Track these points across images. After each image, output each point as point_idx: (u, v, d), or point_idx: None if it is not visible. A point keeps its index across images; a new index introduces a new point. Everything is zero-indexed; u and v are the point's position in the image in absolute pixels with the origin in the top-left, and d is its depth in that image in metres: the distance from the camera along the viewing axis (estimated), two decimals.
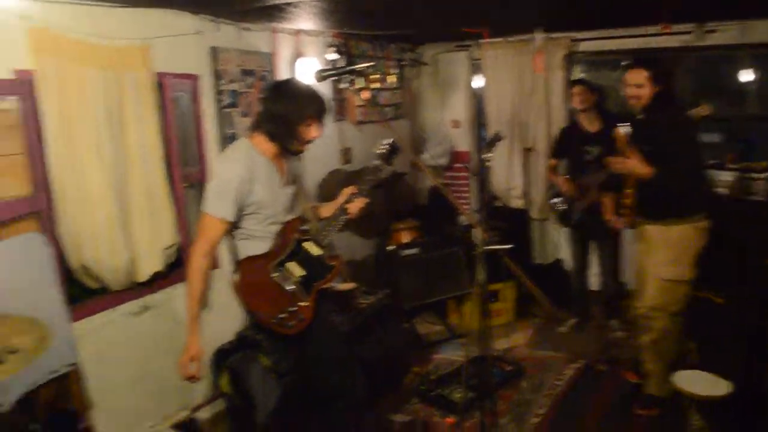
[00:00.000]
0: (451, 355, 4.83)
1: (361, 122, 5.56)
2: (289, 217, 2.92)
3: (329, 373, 2.98)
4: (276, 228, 2.86)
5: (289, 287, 2.80)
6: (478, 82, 6.24)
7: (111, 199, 3.20)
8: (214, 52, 4.01)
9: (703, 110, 3.66)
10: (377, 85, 5.71)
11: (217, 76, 4.04)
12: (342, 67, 4.37)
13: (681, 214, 3.53)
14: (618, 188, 3.85)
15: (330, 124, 5.01)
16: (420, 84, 6.52)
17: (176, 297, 3.66)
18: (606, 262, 5.05)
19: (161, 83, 3.61)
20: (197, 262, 2.74)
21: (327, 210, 3.14)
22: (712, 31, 4.95)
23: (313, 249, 2.92)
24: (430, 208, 6.32)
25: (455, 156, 6.47)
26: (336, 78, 4.59)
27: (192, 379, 2.75)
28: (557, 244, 5.97)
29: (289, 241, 2.88)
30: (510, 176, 5.93)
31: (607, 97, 4.90)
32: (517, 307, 5.45)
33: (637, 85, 3.53)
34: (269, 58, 4.50)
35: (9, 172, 2.91)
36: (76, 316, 3.13)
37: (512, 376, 4.36)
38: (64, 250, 3.07)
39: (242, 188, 2.73)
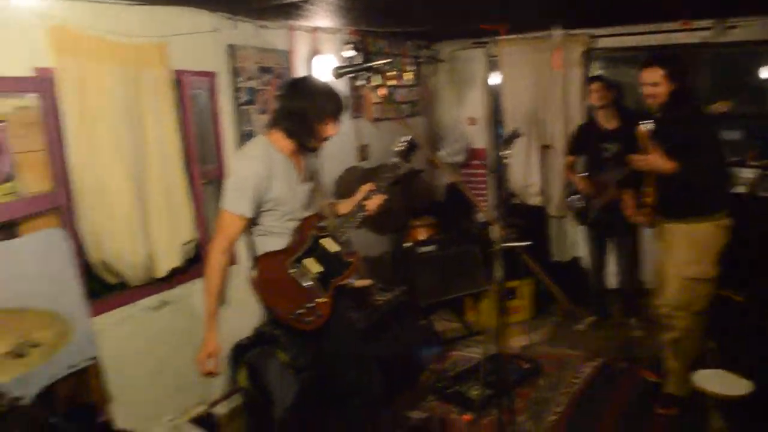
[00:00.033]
0: (468, 352, 4.82)
1: (377, 119, 5.56)
2: (307, 214, 2.92)
3: (346, 369, 2.98)
4: (294, 224, 2.87)
5: (307, 283, 2.81)
6: (494, 79, 6.22)
7: (130, 196, 3.23)
8: (232, 50, 4.02)
9: (721, 107, 3.62)
10: (394, 82, 5.71)
11: (235, 73, 4.06)
12: (359, 65, 4.39)
13: (703, 212, 3.49)
14: (637, 186, 3.82)
15: (347, 121, 5.01)
16: (436, 81, 6.51)
17: (194, 292, 3.69)
18: (624, 260, 5.01)
19: (179, 81, 3.64)
20: (215, 258, 2.75)
21: (344, 207, 3.15)
22: (733, 27, 4.89)
23: (330, 245, 2.92)
24: (446, 205, 6.31)
25: (472, 153, 6.46)
26: (353, 75, 4.61)
27: (210, 374, 2.77)
28: (575, 241, 5.94)
29: (307, 238, 2.89)
30: (527, 173, 5.91)
31: (625, 94, 4.86)
32: (535, 304, 5.42)
33: (653, 84, 3.49)
34: (286, 55, 4.51)
35: (30, 169, 2.94)
36: (96, 310, 3.16)
37: (530, 374, 4.34)
38: (84, 245, 3.11)
39: (260, 185, 2.73)
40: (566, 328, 5.21)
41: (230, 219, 2.75)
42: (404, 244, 5.25)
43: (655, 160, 3.45)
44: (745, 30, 4.85)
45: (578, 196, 4.99)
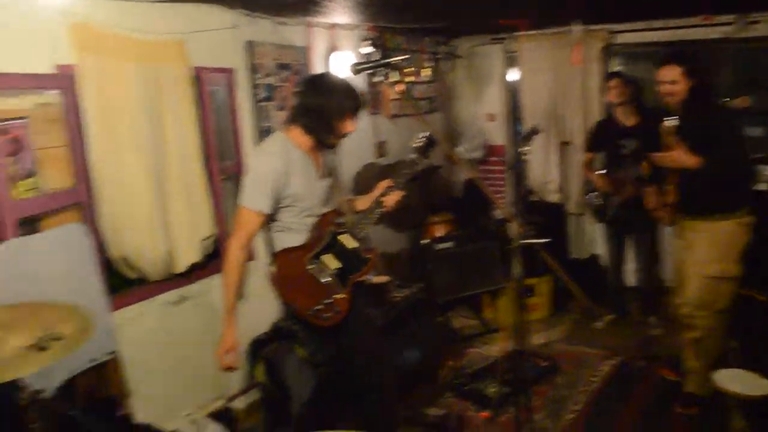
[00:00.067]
0: (485, 349, 4.80)
1: (395, 116, 5.55)
2: (325, 210, 2.93)
3: (364, 365, 2.99)
4: (312, 220, 2.87)
5: (325, 279, 2.82)
6: (513, 75, 6.19)
7: (150, 192, 3.25)
8: (250, 46, 4.03)
9: (742, 102, 3.57)
10: (412, 78, 5.70)
11: (253, 69, 4.07)
12: (377, 61, 4.37)
13: (726, 209, 3.45)
14: (657, 182, 3.78)
15: (365, 117, 5.01)
16: (455, 77, 6.49)
17: (213, 288, 3.71)
18: (643, 257, 4.97)
19: (198, 77, 3.65)
20: (234, 254, 2.77)
21: (362, 203, 3.15)
22: (755, 22, 4.82)
23: (348, 242, 2.93)
24: (464, 201, 6.29)
25: (490, 150, 6.43)
26: (371, 71, 4.60)
27: (229, 369, 2.79)
28: (594, 239, 5.90)
29: (325, 234, 2.89)
30: (546, 170, 5.88)
31: (644, 90, 4.81)
32: (553, 302, 5.40)
33: (672, 82, 3.45)
34: (304, 51, 4.51)
35: (52, 165, 2.97)
36: (116, 305, 3.20)
37: (547, 372, 4.32)
38: (105, 241, 3.13)
39: (278, 181, 2.74)
40: (584, 326, 5.18)
41: (248, 215, 2.76)
42: (422, 241, 5.24)
43: (679, 157, 3.41)
44: (767, 25, 4.78)
45: (596, 193, 4.95)
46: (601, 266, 5.58)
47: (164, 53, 3.35)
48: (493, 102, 6.39)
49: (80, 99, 2.97)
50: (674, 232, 3.83)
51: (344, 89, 2.83)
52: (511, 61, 6.16)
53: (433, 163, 5.80)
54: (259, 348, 3.50)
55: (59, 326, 1.83)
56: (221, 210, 3.84)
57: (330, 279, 2.82)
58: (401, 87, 5.13)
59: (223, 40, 3.82)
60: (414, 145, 3.04)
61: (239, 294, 2.85)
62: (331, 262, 2.85)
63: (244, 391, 3.87)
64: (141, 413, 3.27)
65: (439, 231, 5.44)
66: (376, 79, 5.10)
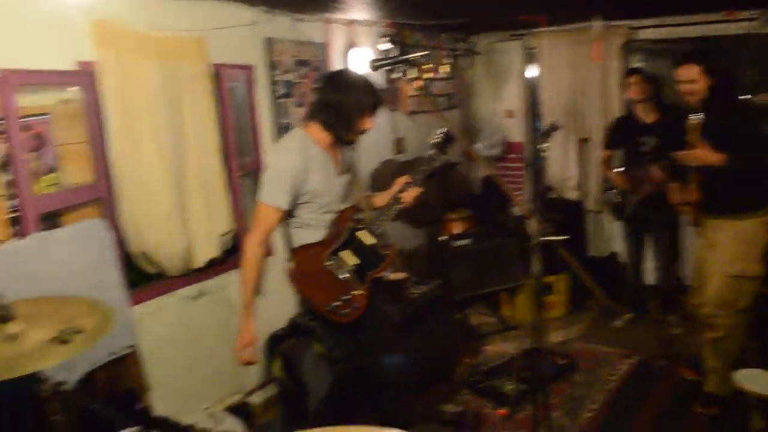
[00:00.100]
0: (503, 347, 4.79)
1: (413, 112, 5.55)
2: (344, 206, 2.93)
3: (381, 361, 2.99)
4: (330, 217, 2.88)
5: (343, 276, 2.82)
6: (532, 71, 6.15)
7: (169, 188, 3.27)
8: (269, 43, 4.05)
9: (765, 98, 3.52)
10: (430, 74, 5.69)
11: (272, 66, 4.08)
12: (395, 57, 4.37)
13: (749, 208, 3.41)
14: (680, 178, 3.74)
15: (383, 114, 5.01)
16: (473, 74, 6.46)
17: (231, 283, 3.73)
18: (661, 255, 4.93)
19: (217, 74, 3.67)
20: (252, 250, 2.78)
21: (381, 199, 3.15)
22: None
23: (366, 238, 2.93)
24: (482, 198, 6.27)
25: (508, 146, 6.40)
26: (389, 68, 4.60)
27: (248, 363, 2.81)
28: (612, 236, 5.86)
29: (343, 230, 2.89)
30: (565, 167, 5.85)
31: (664, 87, 4.76)
32: (571, 300, 5.37)
33: (691, 81, 3.41)
34: (323, 48, 4.52)
35: (73, 161, 3.00)
36: (135, 299, 3.22)
37: (565, 370, 4.30)
38: (124, 236, 3.16)
39: (297, 177, 2.75)
40: (603, 324, 5.15)
41: (267, 211, 2.77)
42: (439, 238, 5.23)
43: (703, 154, 3.37)
44: None
45: (614, 191, 4.92)
46: (620, 264, 5.54)
47: (184, 50, 3.37)
48: (512, 99, 6.37)
49: (101, 95, 3.00)
50: (696, 230, 3.78)
51: (363, 86, 2.83)
52: (530, 58, 6.12)
53: (451, 160, 5.79)
54: (276, 343, 3.51)
55: (80, 320, 1.85)
56: (239, 206, 3.86)
57: (348, 275, 2.83)
58: (419, 83, 5.17)
59: (243, 36, 3.84)
60: (432, 141, 3.03)
61: (257, 289, 2.86)
62: (350, 259, 2.86)
63: (261, 386, 3.88)
64: (159, 406, 3.30)
65: (457, 228, 5.43)
66: (394, 75, 5.13)
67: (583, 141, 5.76)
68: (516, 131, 6.39)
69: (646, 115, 4.67)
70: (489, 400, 3.97)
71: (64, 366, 2.22)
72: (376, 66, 3.55)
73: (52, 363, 1.74)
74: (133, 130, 3.10)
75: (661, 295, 5.02)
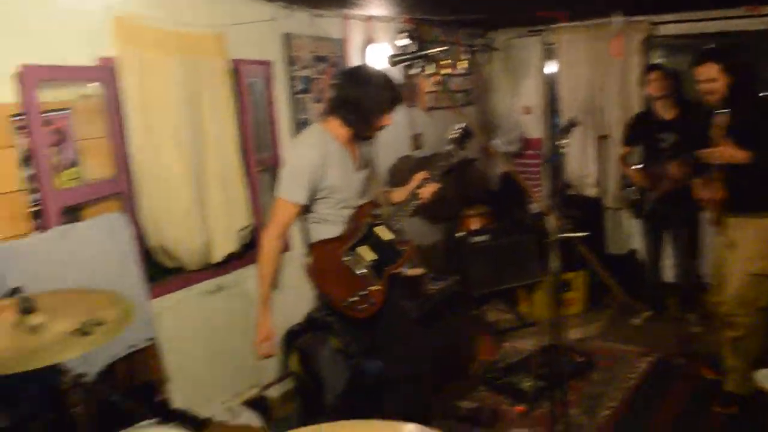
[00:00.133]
0: (520, 343, 4.77)
1: (431, 108, 5.53)
2: (361, 202, 2.93)
3: (398, 357, 2.99)
4: (348, 212, 2.88)
5: (360, 271, 2.82)
6: (550, 67, 6.12)
7: (188, 183, 3.29)
8: (287, 39, 4.05)
9: None
10: (448, 71, 5.67)
11: (290, 62, 4.09)
12: (414, 52, 4.35)
13: None
14: (698, 176, 3.70)
15: (401, 110, 5.00)
16: (491, 70, 6.44)
17: (249, 278, 3.74)
18: (681, 253, 4.88)
19: (236, 69, 3.69)
20: (269, 244, 2.79)
21: (398, 195, 3.15)
22: None
23: (384, 233, 2.93)
24: (500, 194, 6.24)
25: (526, 143, 6.37)
26: (407, 63, 4.59)
27: (268, 356, 2.83)
28: (631, 234, 5.81)
29: (361, 226, 2.90)
30: (583, 164, 5.82)
31: (684, 83, 4.71)
32: (589, 297, 5.34)
33: (711, 80, 3.37)
34: (341, 44, 4.52)
35: (93, 155, 3.02)
36: (154, 293, 3.24)
37: (583, 368, 4.27)
38: (144, 230, 3.18)
39: (315, 173, 2.75)
40: (621, 322, 5.11)
41: (285, 206, 2.78)
42: (457, 234, 5.22)
43: (728, 152, 3.33)
44: None
45: (633, 188, 4.87)
46: (639, 262, 5.49)
47: (204, 46, 3.39)
48: (530, 95, 6.33)
49: (121, 91, 3.02)
50: (715, 228, 3.74)
51: (382, 82, 2.83)
52: (548, 54, 6.09)
53: (469, 156, 5.77)
54: (293, 338, 3.54)
55: (102, 312, 1.87)
56: (258, 201, 3.87)
57: (365, 271, 2.83)
58: (437, 79, 5.15)
59: (261, 32, 3.85)
60: (450, 137, 3.03)
61: (274, 284, 2.88)
62: (367, 254, 2.86)
63: (278, 380, 3.91)
64: (178, 399, 3.33)
65: (475, 224, 5.42)
66: (412, 71, 5.12)
67: (602, 137, 5.72)
68: (534, 127, 6.36)
69: (666, 112, 4.63)
70: (506, 396, 3.96)
71: (85, 358, 2.25)
72: (394, 62, 3.52)
73: (73, 354, 1.77)
74: (153, 125, 3.12)
75: (681, 293, 4.97)
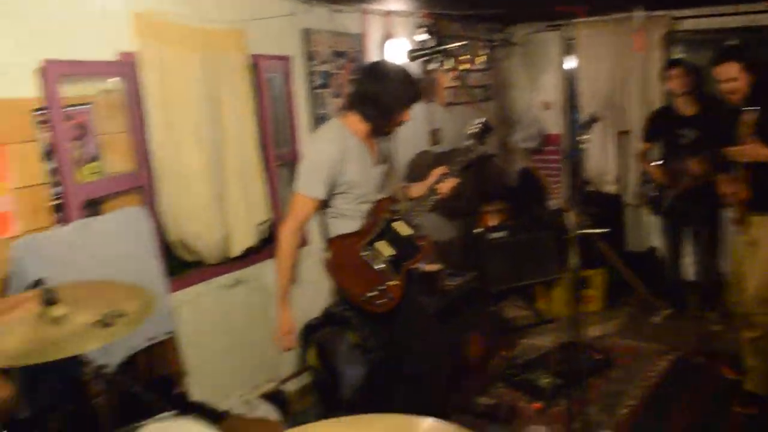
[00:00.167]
0: (538, 340, 4.75)
1: (450, 103, 5.52)
2: (380, 197, 2.93)
3: (416, 352, 2.99)
4: (366, 207, 2.88)
5: (378, 266, 2.82)
6: (570, 62, 6.07)
7: (208, 178, 3.31)
8: (306, 34, 4.06)
9: None
10: (466, 66, 5.65)
11: (309, 57, 4.10)
12: (432, 47, 4.34)
13: None
14: (719, 173, 3.65)
15: (419, 105, 4.99)
16: (510, 65, 6.40)
17: (267, 272, 3.75)
18: (701, 250, 4.83)
19: (256, 65, 3.70)
20: (286, 239, 2.80)
21: (417, 190, 3.14)
22: None
23: (402, 229, 2.92)
24: (519, 190, 6.21)
25: (546, 138, 6.33)
26: (426, 58, 4.58)
27: (289, 349, 2.87)
28: (652, 231, 5.76)
29: (379, 221, 2.90)
30: (603, 160, 5.76)
31: (706, 79, 4.65)
32: (608, 294, 5.30)
33: (732, 79, 3.32)
34: (359, 39, 4.52)
35: (114, 149, 3.05)
36: (174, 287, 3.27)
37: (601, 365, 4.24)
38: (164, 225, 3.20)
39: (334, 168, 2.76)
40: (641, 319, 5.07)
41: (303, 201, 2.79)
42: (475, 230, 5.21)
43: (756, 150, 3.27)
44: None
45: (651, 184, 4.83)
46: (659, 259, 5.44)
47: (224, 41, 3.40)
48: (549, 90, 6.29)
49: (141, 86, 3.04)
50: (738, 227, 3.69)
51: (402, 77, 2.83)
52: (568, 49, 6.04)
53: (487, 151, 5.75)
54: (311, 333, 3.54)
55: (123, 304, 1.89)
56: (276, 196, 3.89)
57: (383, 266, 2.83)
58: (456, 74, 5.14)
59: (280, 27, 3.86)
60: (469, 131, 3.01)
61: (292, 278, 2.89)
62: (385, 249, 2.86)
63: (296, 374, 3.92)
64: (196, 392, 3.35)
65: (493, 220, 5.40)
66: (431, 66, 5.10)
67: (623, 133, 5.67)
68: (553, 123, 6.31)
69: (687, 108, 4.57)
70: (524, 393, 3.94)
71: (106, 350, 2.27)
72: (413, 56, 3.53)
73: (95, 346, 1.78)
74: (173, 120, 3.14)
75: (701, 291, 4.92)
